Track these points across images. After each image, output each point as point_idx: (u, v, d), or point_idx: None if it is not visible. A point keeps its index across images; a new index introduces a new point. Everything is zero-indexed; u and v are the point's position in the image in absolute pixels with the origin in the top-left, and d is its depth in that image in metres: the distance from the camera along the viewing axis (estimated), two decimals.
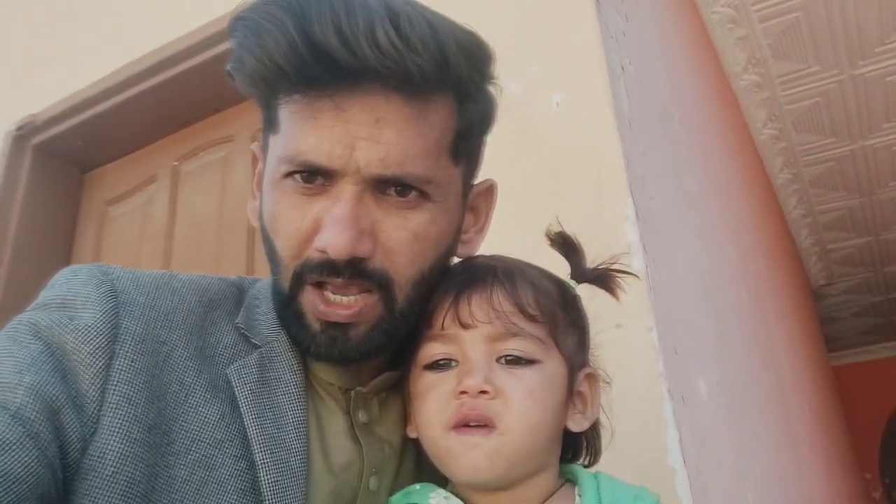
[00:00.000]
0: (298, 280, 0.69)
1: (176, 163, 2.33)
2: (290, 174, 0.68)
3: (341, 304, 0.69)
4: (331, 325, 0.69)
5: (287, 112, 0.68)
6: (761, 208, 3.42)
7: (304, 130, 0.66)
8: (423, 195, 0.69)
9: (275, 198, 0.70)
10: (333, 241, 0.65)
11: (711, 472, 1.28)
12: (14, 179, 2.34)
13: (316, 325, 0.70)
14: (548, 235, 0.83)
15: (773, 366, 2.45)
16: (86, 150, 2.44)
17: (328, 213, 0.66)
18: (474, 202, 0.82)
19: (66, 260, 2.38)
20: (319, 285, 0.69)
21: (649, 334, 1.20)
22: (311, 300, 0.69)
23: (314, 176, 0.67)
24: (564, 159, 1.37)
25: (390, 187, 0.67)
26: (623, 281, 0.82)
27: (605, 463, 0.80)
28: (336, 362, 0.72)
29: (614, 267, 0.82)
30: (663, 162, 1.64)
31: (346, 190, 0.66)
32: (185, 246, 2.21)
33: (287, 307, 0.71)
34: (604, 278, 0.81)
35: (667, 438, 1.14)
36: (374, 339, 0.70)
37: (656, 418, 1.15)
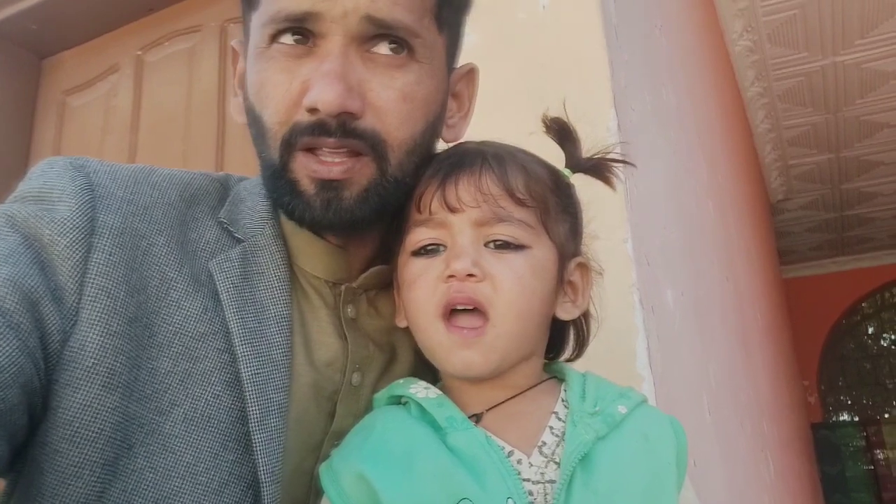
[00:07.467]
0: (288, 146, 0.67)
1: (140, 52, 2.23)
2: (276, 36, 0.67)
3: (334, 162, 0.67)
4: (324, 187, 0.67)
5: None
6: (731, 122, 3.44)
7: None
8: (411, 52, 0.68)
9: (260, 66, 0.68)
10: (323, 95, 0.64)
11: (674, 378, 1.33)
12: None
13: (310, 189, 0.67)
14: (543, 121, 0.80)
15: (732, 276, 2.53)
16: (42, 35, 2.31)
17: (316, 71, 0.65)
18: (457, 87, 0.81)
19: (25, 153, 2.30)
20: (311, 150, 0.67)
21: (624, 245, 1.22)
22: (302, 163, 0.67)
23: (303, 38, 0.66)
24: (548, 66, 1.34)
25: (377, 42, 0.67)
26: (614, 177, 0.79)
27: (576, 368, 0.79)
28: (331, 226, 0.70)
29: (610, 156, 0.79)
30: (644, 73, 1.62)
31: (334, 44, 0.65)
32: (150, 141, 2.14)
33: (279, 177, 0.69)
34: (599, 167, 0.78)
35: (636, 346, 1.18)
36: (367, 200, 0.68)
37: (627, 327, 1.19)
